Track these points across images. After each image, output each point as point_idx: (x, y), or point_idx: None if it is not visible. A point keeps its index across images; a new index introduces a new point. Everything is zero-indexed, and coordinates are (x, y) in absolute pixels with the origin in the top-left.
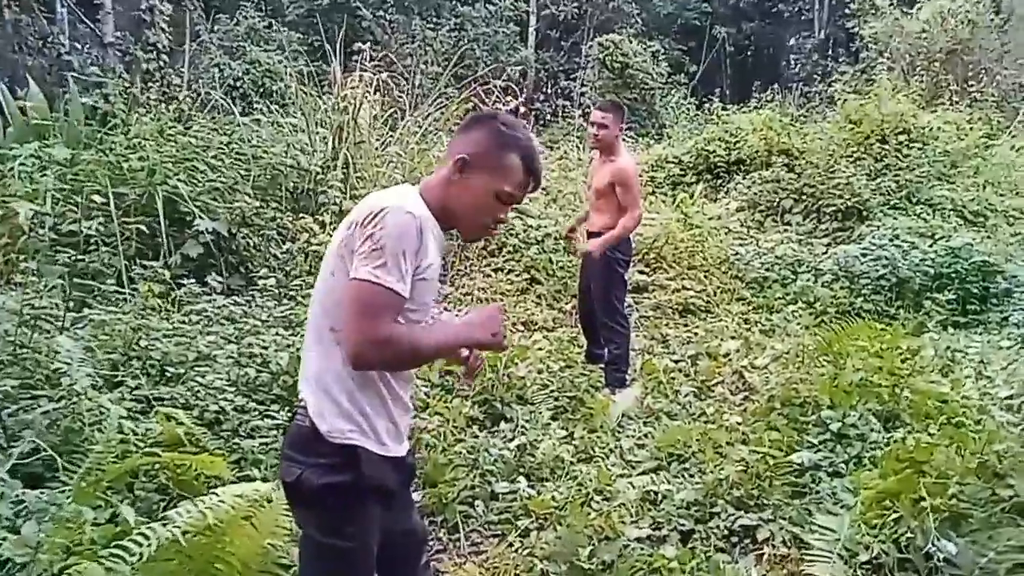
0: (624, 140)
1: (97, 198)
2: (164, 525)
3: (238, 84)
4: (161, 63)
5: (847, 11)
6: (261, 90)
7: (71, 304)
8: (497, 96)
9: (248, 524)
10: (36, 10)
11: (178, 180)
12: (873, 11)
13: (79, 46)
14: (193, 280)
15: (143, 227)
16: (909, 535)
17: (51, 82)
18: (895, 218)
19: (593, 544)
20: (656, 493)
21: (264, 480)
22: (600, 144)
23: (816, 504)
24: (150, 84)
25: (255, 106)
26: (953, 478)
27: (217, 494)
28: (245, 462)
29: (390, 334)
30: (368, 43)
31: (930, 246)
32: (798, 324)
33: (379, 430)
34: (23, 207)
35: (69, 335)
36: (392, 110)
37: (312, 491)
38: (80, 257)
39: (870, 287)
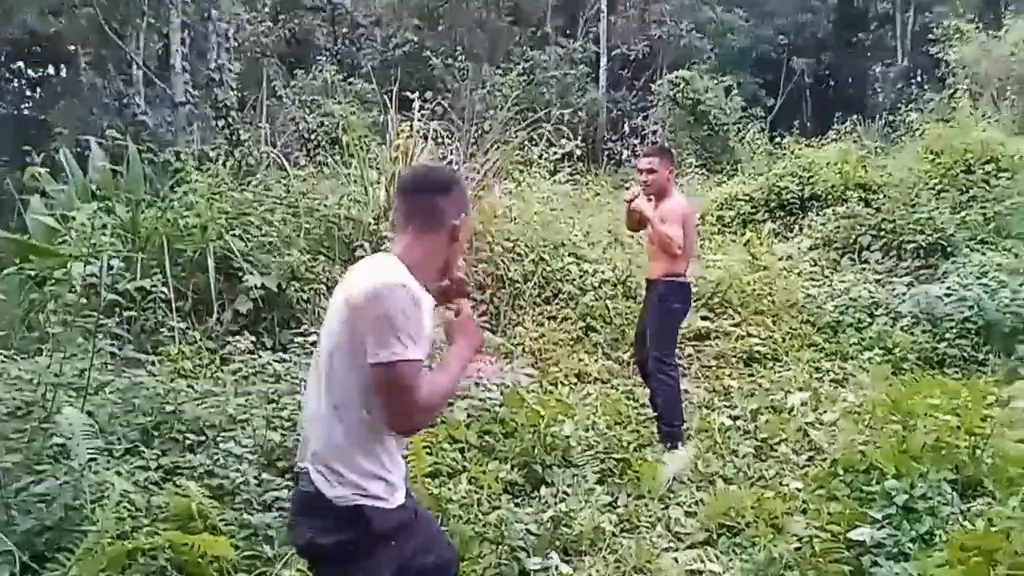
0: (695, 176)
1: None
2: None
3: (312, 137)
4: (229, 120)
5: (931, 37)
6: (334, 142)
7: (107, 367)
8: (548, 139)
9: None
10: (113, 72)
11: (232, 236)
12: (958, 36)
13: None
14: (239, 337)
15: (198, 283)
16: None
17: (124, 143)
18: (983, 254)
19: None
20: (701, 573)
21: (274, 558)
22: (651, 190)
23: None
24: (217, 141)
25: (320, 158)
26: None
27: None
28: (256, 537)
29: (426, 399)
30: (439, 91)
31: (1021, 284)
32: (869, 375)
33: (378, 492)
34: (77, 268)
35: (94, 402)
36: (449, 158)
37: (323, 551)
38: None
39: (954, 331)
